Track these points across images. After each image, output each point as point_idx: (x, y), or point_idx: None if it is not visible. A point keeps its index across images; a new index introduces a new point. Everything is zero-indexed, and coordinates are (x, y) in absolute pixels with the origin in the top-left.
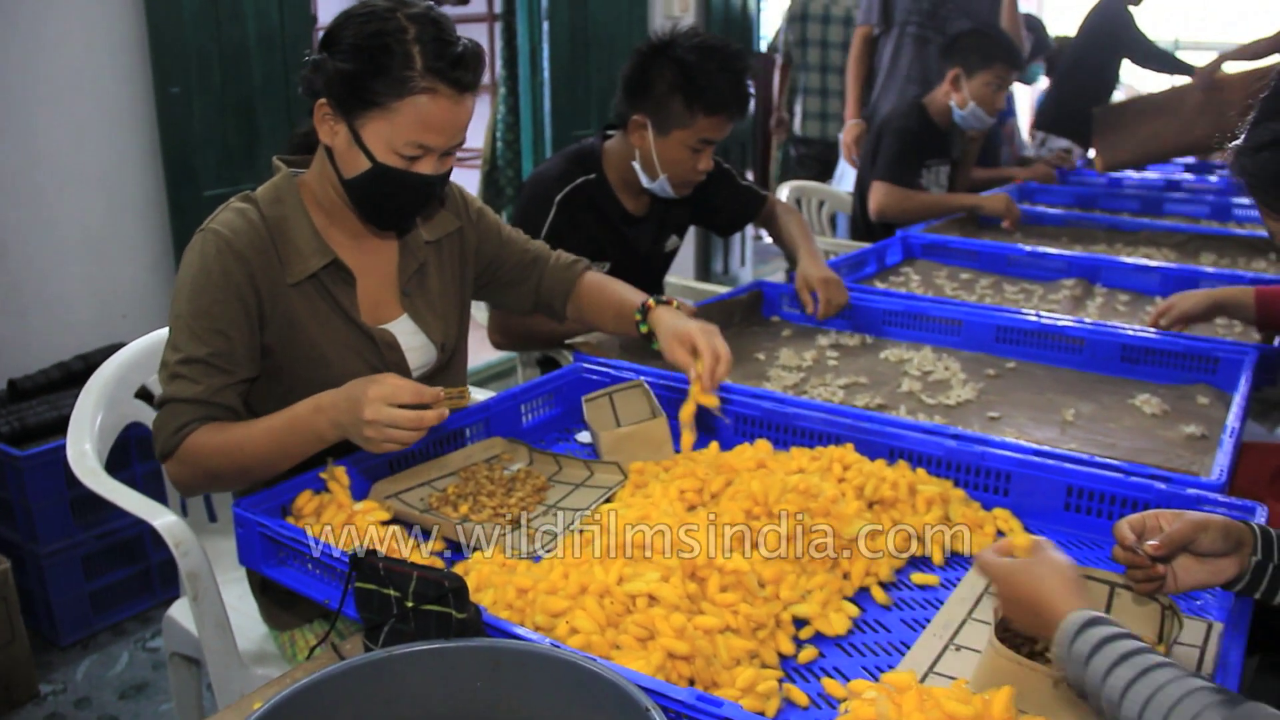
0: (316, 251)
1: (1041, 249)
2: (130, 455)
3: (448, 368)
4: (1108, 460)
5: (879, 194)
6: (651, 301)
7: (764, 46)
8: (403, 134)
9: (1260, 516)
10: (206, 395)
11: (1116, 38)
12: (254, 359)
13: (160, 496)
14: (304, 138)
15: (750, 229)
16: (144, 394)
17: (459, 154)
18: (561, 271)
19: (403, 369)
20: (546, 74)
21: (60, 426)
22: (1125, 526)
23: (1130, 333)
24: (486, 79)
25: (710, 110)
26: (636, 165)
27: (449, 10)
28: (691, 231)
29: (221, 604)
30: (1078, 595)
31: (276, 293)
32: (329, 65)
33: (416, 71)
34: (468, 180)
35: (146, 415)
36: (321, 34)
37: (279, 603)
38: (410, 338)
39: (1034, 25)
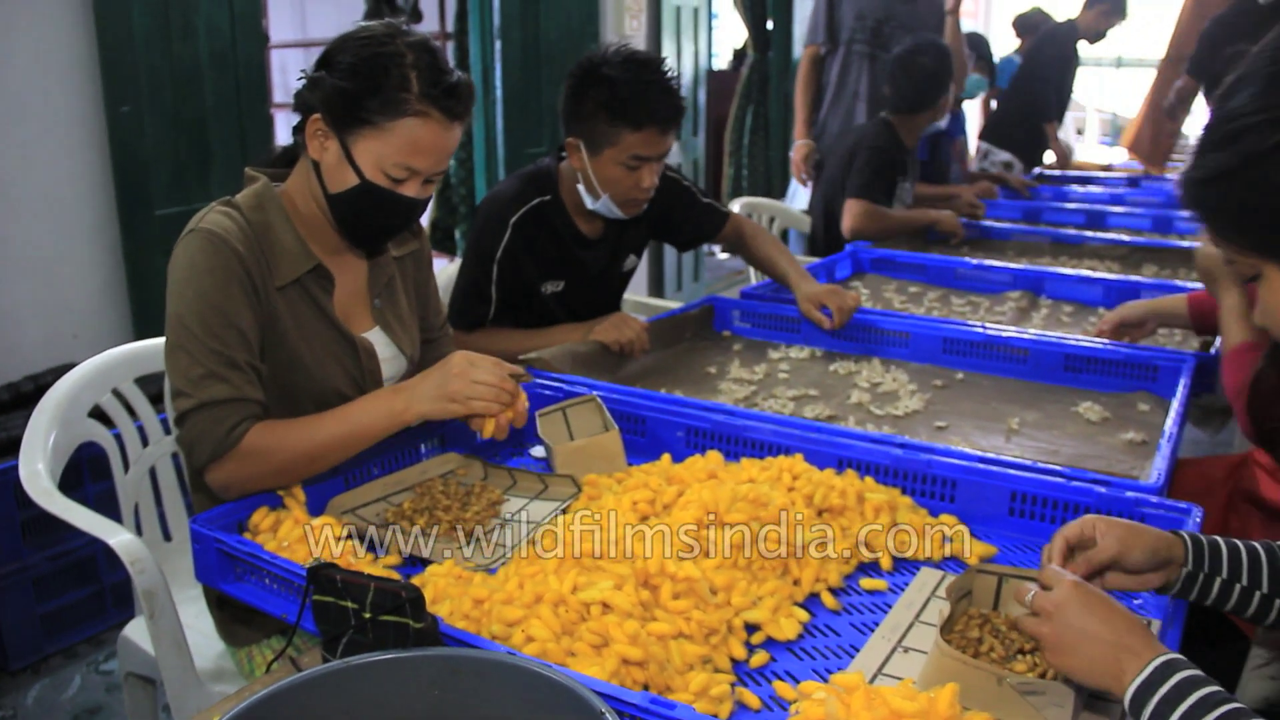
0: (302, 256)
1: (988, 262)
2: (83, 475)
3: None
4: (1050, 466)
5: (854, 212)
6: None
7: (716, 64)
8: (393, 154)
9: (1195, 516)
10: (242, 393)
11: (1067, 62)
12: (261, 351)
13: (114, 516)
14: (283, 153)
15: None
16: (97, 413)
17: None
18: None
19: (377, 378)
20: (499, 92)
21: (9, 448)
22: (1061, 541)
23: (1073, 343)
24: None
25: (635, 125)
26: (580, 188)
27: (394, 21)
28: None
29: (178, 622)
30: (1155, 639)
31: (266, 294)
32: (326, 82)
33: (412, 94)
34: None
35: (100, 434)
36: (321, 52)
37: (236, 619)
38: (383, 348)
39: (977, 43)
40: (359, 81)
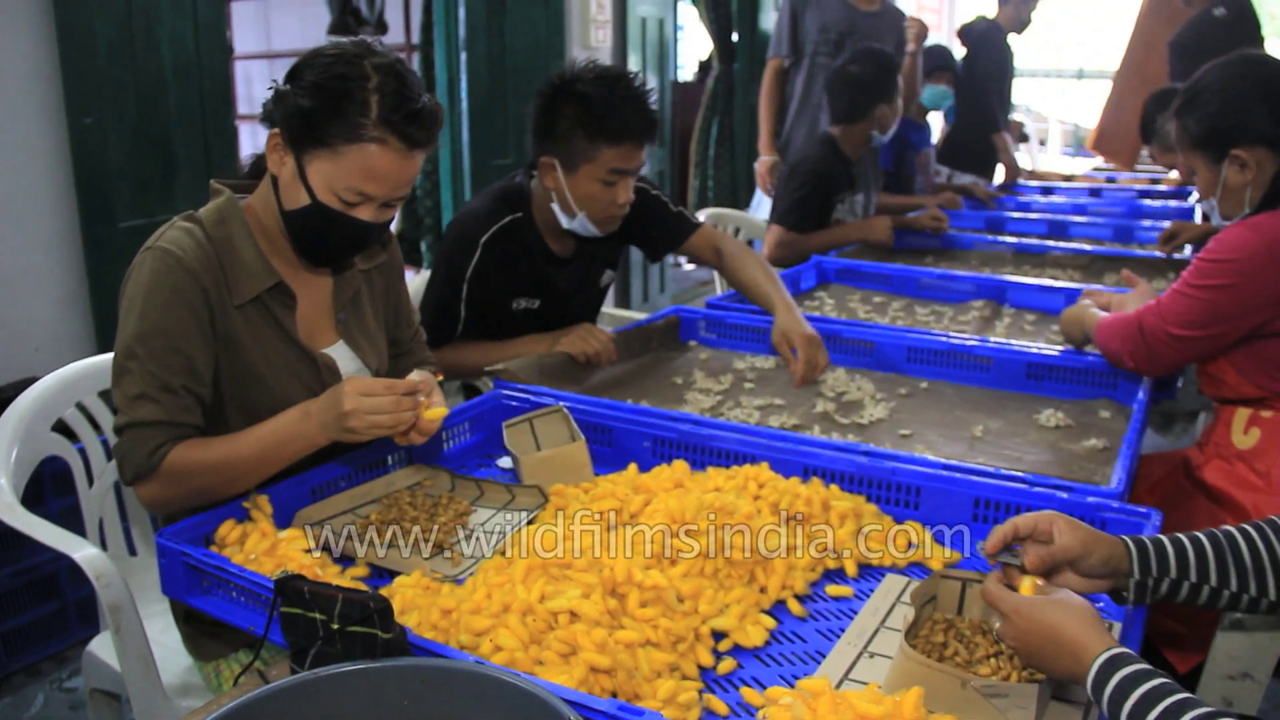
0: (262, 273)
1: (951, 272)
2: (45, 490)
3: None
4: (1013, 473)
5: (769, 240)
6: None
7: (682, 76)
8: (345, 178)
9: (1154, 520)
10: (171, 416)
11: (1003, 66)
12: (211, 374)
13: (78, 531)
14: (253, 164)
15: (671, 256)
16: (61, 427)
17: None
18: (409, 363)
19: None
20: (465, 104)
21: None
22: (1009, 528)
23: (1035, 351)
24: None
25: (613, 140)
26: (555, 207)
27: (367, 39)
28: None
29: (145, 637)
30: (1107, 634)
31: (222, 313)
32: (290, 98)
33: (370, 120)
34: None
35: (63, 448)
36: (291, 64)
37: (203, 632)
38: (347, 363)
39: (941, 55)
40: (318, 101)
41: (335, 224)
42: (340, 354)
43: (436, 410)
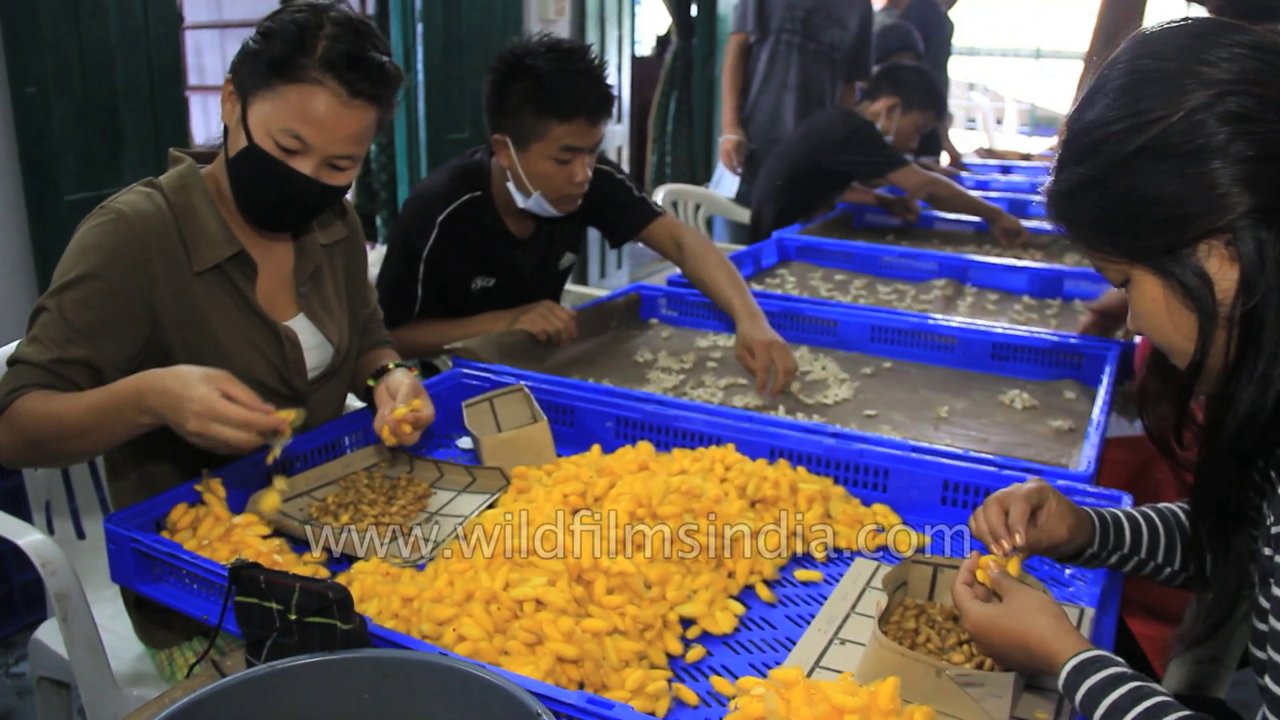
0: (223, 241)
1: (914, 250)
2: None
3: (340, 372)
4: (982, 455)
5: (915, 174)
6: (391, 365)
7: (640, 50)
8: (281, 119)
9: (1126, 505)
10: (52, 362)
11: (944, 45)
12: (121, 347)
13: (22, 513)
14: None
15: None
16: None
17: None
18: (373, 340)
19: (300, 367)
20: (420, 76)
21: None
22: (995, 519)
23: (1001, 331)
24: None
25: (564, 117)
26: (511, 186)
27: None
28: None
29: (93, 624)
30: (1074, 634)
31: (180, 282)
32: (247, 45)
33: (311, 61)
34: None
35: None
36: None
37: (155, 620)
38: (308, 337)
39: (905, 34)
40: (267, 43)
41: (272, 172)
42: (300, 327)
43: (399, 410)
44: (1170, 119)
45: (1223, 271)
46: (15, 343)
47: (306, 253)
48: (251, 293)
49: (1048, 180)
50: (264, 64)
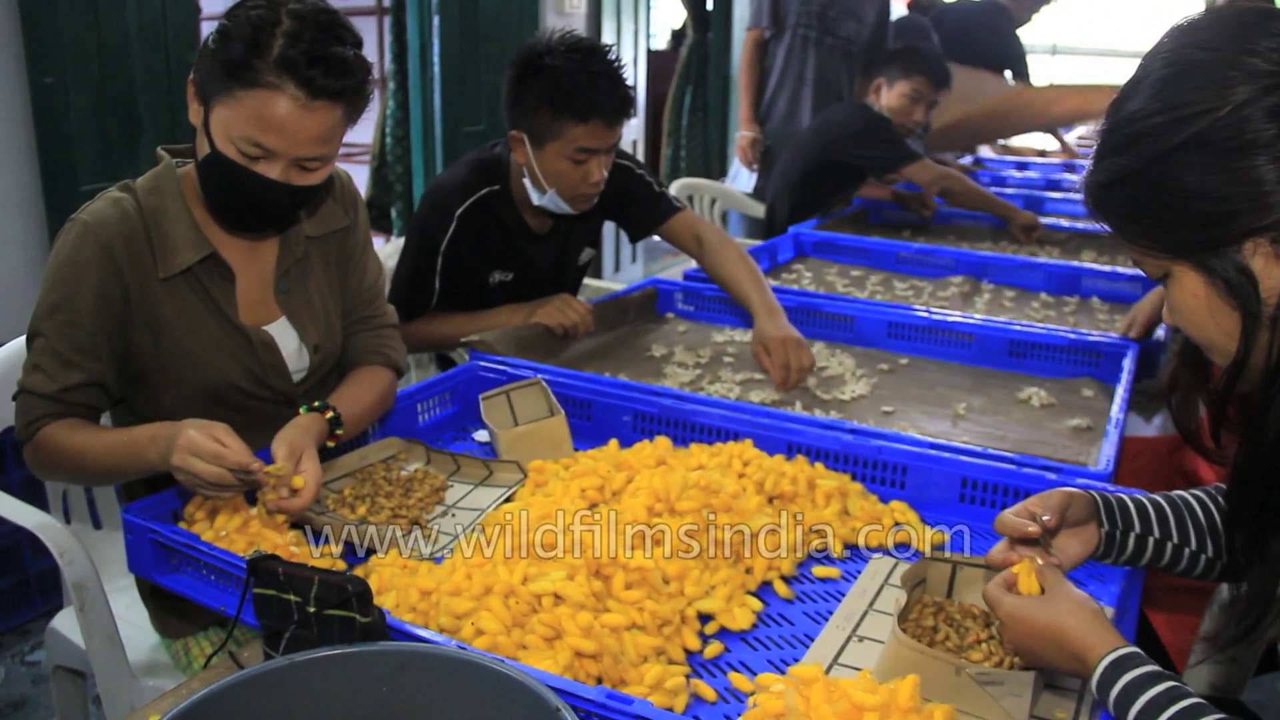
0: (192, 245)
1: (931, 246)
2: (6, 460)
3: (329, 374)
4: (1000, 452)
5: (929, 168)
6: (305, 410)
7: (655, 44)
8: (240, 127)
9: None
10: (60, 392)
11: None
12: (116, 357)
13: (40, 502)
14: None
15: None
16: None
17: (349, 149)
18: (366, 345)
19: (280, 371)
20: (437, 69)
21: None
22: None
23: (1018, 328)
24: (376, 73)
25: (580, 118)
26: (526, 182)
27: (335, 1)
28: None
29: (110, 613)
30: (1113, 631)
31: (146, 287)
32: (205, 44)
33: (267, 63)
34: (357, 175)
35: None
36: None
37: (171, 610)
38: (288, 341)
39: (920, 26)
40: (222, 44)
41: (237, 179)
42: (280, 330)
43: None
44: (1216, 113)
45: (1268, 270)
46: (21, 338)
47: (289, 245)
48: (225, 296)
49: (1086, 169)
50: (220, 68)
